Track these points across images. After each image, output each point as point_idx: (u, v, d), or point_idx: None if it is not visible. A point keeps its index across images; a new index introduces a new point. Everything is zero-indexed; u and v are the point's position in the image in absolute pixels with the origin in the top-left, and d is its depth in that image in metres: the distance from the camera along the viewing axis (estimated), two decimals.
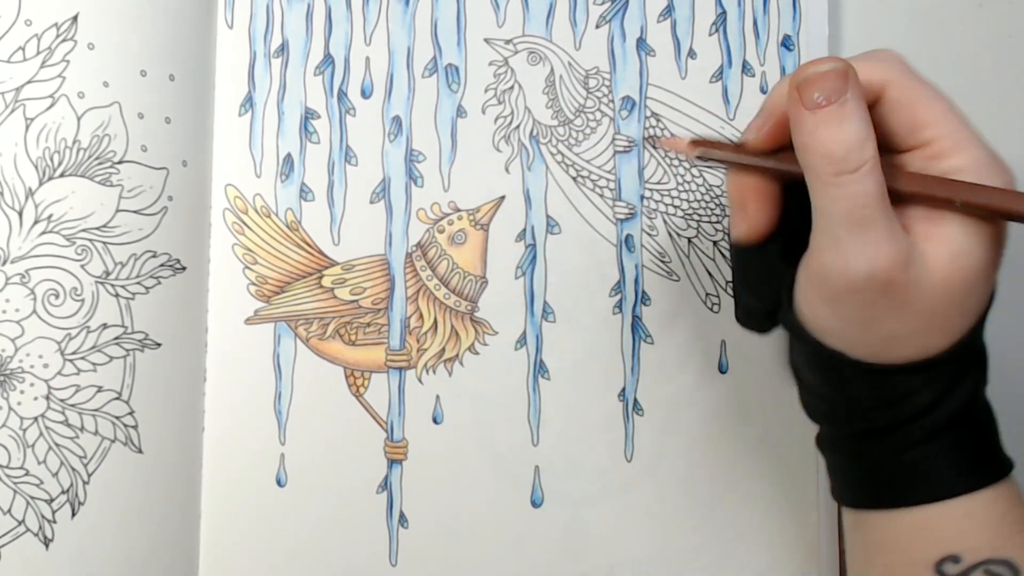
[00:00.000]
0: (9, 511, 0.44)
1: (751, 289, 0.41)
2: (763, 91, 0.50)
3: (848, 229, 0.35)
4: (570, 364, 0.49)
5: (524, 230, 0.49)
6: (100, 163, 0.46)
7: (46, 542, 0.45)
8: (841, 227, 0.35)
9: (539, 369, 0.49)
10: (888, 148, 0.37)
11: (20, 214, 0.45)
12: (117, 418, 0.45)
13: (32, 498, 0.44)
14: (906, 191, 0.36)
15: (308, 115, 0.49)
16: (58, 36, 0.45)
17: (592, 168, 0.49)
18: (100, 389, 0.45)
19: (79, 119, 0.45)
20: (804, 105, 0.36)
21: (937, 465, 0.37)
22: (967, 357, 0.38)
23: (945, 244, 0.36)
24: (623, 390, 0.49)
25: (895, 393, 0.37)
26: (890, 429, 0.38)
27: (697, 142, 0.39)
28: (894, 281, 0.35)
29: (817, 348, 0.38)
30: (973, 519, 0.37)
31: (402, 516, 0.48)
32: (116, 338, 0.46)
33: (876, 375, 0.37)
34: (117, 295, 0.46)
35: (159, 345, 0.46)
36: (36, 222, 0.45)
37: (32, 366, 0.45)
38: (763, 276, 0.40)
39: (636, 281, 0.49)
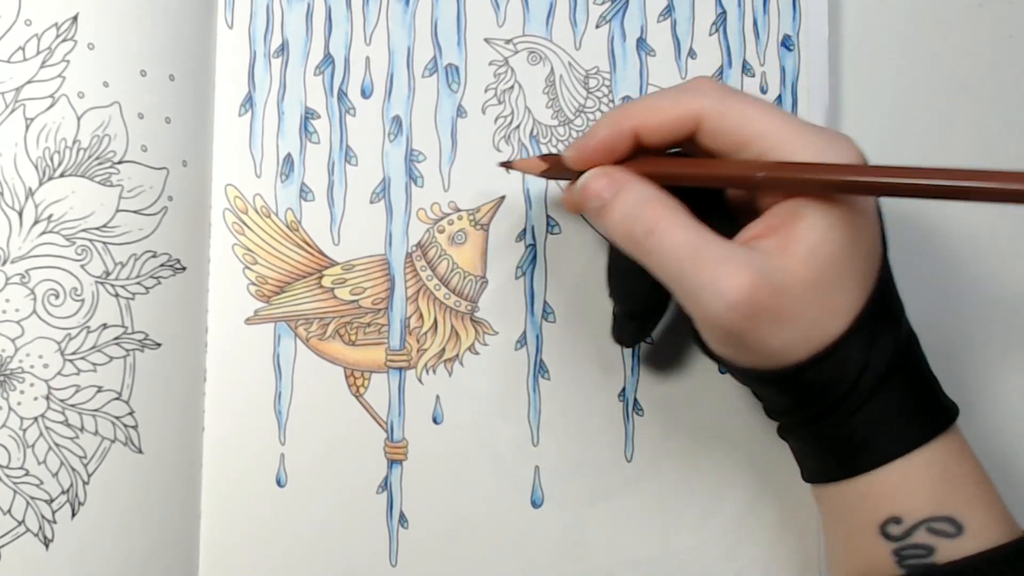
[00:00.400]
0: (9, 511, 0.44)
1: (618, 290, 0.44)
2: (763, 91, 0.50)
3: (685, 282, 0.38)
4: (570, 364, 0.49)
5: (524, 230, 0.49)
6: (100, 163, 0.46)
7: (46, 542, 0.45)
8: (679, 283, 0.38)
9: (539, 369, 0.49)
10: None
11: (20, 214, 0.45)
12: (117, 418, 0.45)
13: (32, 498, 0.44)
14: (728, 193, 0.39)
15: (308, 115, 0.49)
16: (58, 36, 0.45)
17: None
18: (100, 389, 0.45)
19: (79, 119, 0.45)
20: (591, 217, 0.40)
21: (871, 433, 0.39)
22: (877, 321, 0.39)
23: (799, 244, 0.37)
24: (623, 390, 0.49)
25: (815, 383, 0.39)
26: (826, 412, 0.39)
27: (545, 160, 0.44)
28: (757, 302, 0.37)
29: (732, 368, 0.41)
30: (912, 480, 0.39)
31: (402, 516, 0.48)
32: (116, 338, 0.46)
33: (790, 377, 0.39)
34: (117, 295, 0.46)
35: (159, 345, 0.46)
36: (36, 222, 0.45)
37: (32, 366, 0.45)
38: (626, 278, 0.43)
39: None
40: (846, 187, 0.37)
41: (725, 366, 0.42)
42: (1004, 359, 0.51)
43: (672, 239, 0.37)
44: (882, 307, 0.39)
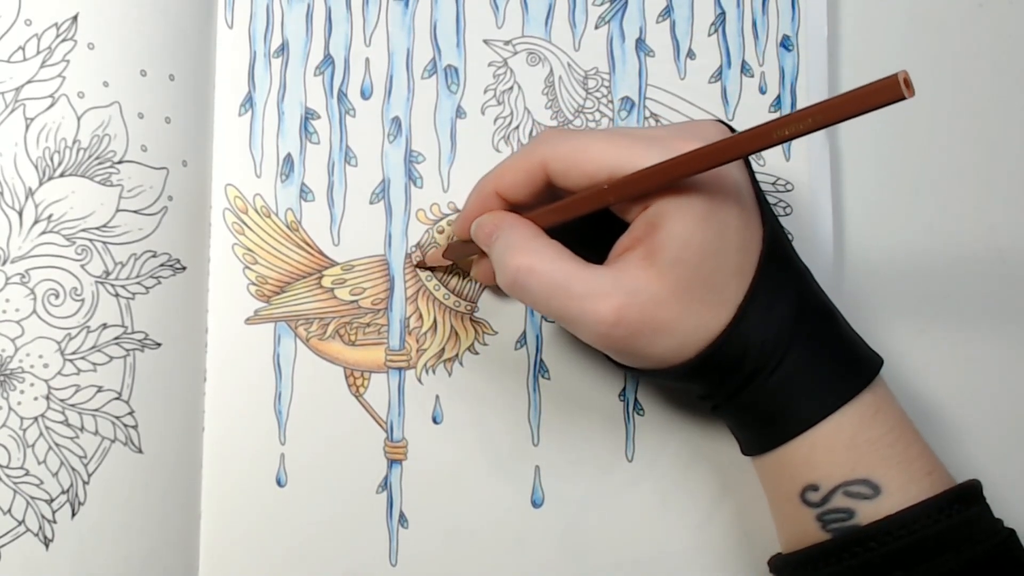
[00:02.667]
0: (9, 511, 0.44)
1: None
2: (762, 91, 0.50)
3: (561, 315, 0.40)
4: (570, 364, 0.49)
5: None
6: (100, 163, 0.46)
7: (46, 542, 0.44)
8: (557, 316, 0.40)
9: (539, 369, 0.49)
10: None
11: (20, 214, 0.45)
12: (117, 418, 0.45)
13: (32, 498, 0.44)
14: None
15: (308, 115, 0.49)
16: (58, 36, 0.45)
17: None
18: (100, 389, 0.45)
19: (79, 119, 0.45)
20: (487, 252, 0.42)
21: (790, 401, 0.40)
22: (766, 300, 0.40)
23: (661, 253, 0.39)
24: (623, 390, 0.49)
25: (716, 370, 0.40)
26: (740, 387, 0.41)
27: (445, 250, 0.47)
28: (629, 323, 0.38)
29: (640, 374, 0.44)
30: (823, 447, 0.40)
31: (402, 516, 0.48)
32: (116, 338, 0.46)
33: (688, 373, 0.40)
34: (117, 295, 0.46)
35: (159, 345, 0.46)
36: (36, 222, 0.45)
37: (32, 366, 0.45)
38: None
39: None
40: (673, 173, 0.38)
41: (626, 369, 0.44)
42: (933, 309, 0.51)
43: (540, 277, 0.39)
44: (770, 284, 0.40)
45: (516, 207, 0.43)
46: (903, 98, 0.31)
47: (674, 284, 0.38)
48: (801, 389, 0.40)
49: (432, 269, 0.48)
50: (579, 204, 0.40)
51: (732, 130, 0.41)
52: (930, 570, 0.38)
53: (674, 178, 0.38)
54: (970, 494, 0.40)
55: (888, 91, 0.31)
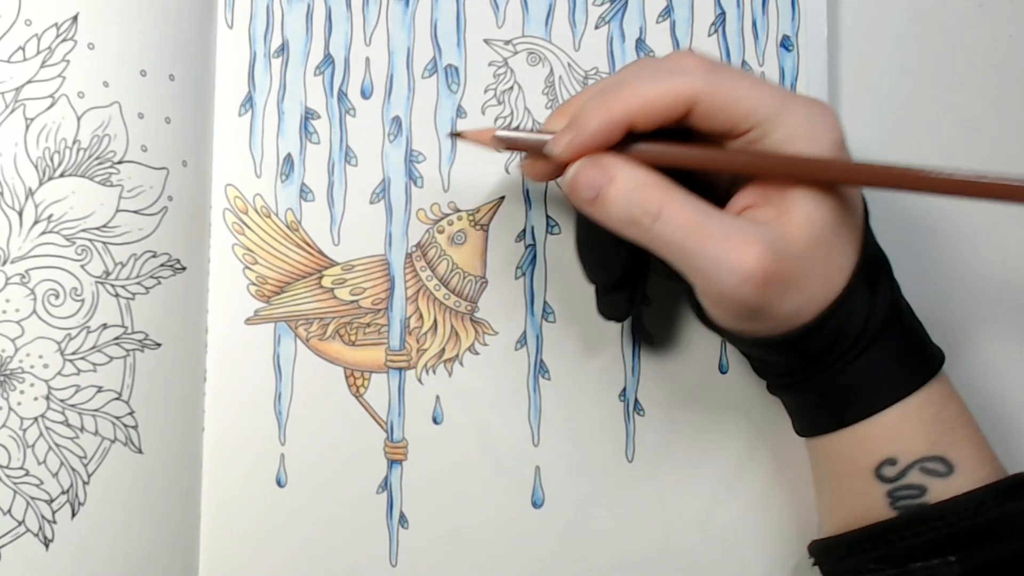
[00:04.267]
0: (9, 511, 0.44)
1: (595, 265, 0.44)
2: None
3: (694, 261, 0.38)
4: (570, 364, 0.49)
5: (524, 230, 0.49)
6: (100, 163, 0.46)
7: (46, 542, 0.44)
8: (689, 262, 0.38)
9: (539, 369, 0.49)
10: (720, 137, 0.40)
11: (20, 214, 0.45)
12: (117, 418, 0.45)
13: (32, 498, 0.44)
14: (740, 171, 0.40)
15: (308, 115, 0.49)
16: (58, 36, 0.45)
17: None
18: (100, 389, 0.45)
19: (79, 119, 0.45)
20: (582, 206, 0.40)
21: (871, 380, 0.40)
22: (872, 272, 0.40)
23: (795, 211, 0.38)
24: (624, 390, 0.49)
25: (823, 341, 0.40)
26: (824, 366, 0.40)
27: (502, 137, 0.42)
28: (768, 272, 0.37)
29: (741, 340, 0.42)
30: (906, 422, 0.40)
31: (402, 516, 0.48)
32: (116, 338, 0.46)
33: (799, 339, 0.39)
34: (117, 295, 0.46)
35: (159, 345, 0.46)
36: (36, 222, 0.45)
37: (32, 366, 0.45)
38: (600, 250, 0.43)
39: None
40: (832, 180, 0.39)
41: (728, 337, 0.43)
42: (986, 310, 0.51)
43: (677, 220, 0.38)
44: (873, 259, 0.41)
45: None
46: None
47: (807, 242, 0.38)
48: (893, 364, 0.40)
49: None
50: (712, 163, 0.39)
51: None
52: (992, 553, 0.39)
53: (843, 183, 0.39)
54: None
55: None
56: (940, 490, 0.40)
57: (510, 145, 0.42)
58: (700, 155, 0.40)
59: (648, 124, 0.39)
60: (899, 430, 0.40)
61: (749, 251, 0.37)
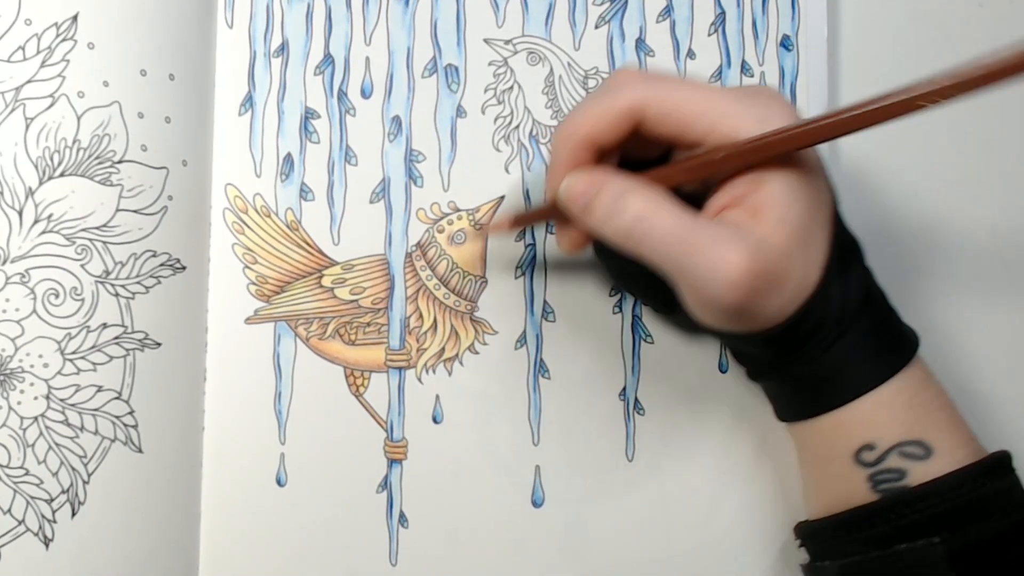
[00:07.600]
0: (9, 511, 0.44)
1: (639, 291, 0.47)
2: None
3: (681, 267, 0.39)
4: (570, 364, 0.49)
5: (524, 230, 0.49)
6: (100, 163, 0.46)
7: (46, 542, 0.44)
8: (675, 268, 0.39)
9: (539, 369, 0.49)
10: (684, 145, 0.41)
11: (20, 214, 0.45)
12: (117, 418, 0.45)
13: (32, 498, 0.44)
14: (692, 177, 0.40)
15: (308, 115, 0.49)
16: (58, 36, 0.45)
17: None
18: (100, 389, 0.45)
19: (79, 119, 0.45)
20: (577, 218, 0.41)
21: (845, 367, 0.41)
22: (844, 259, 0.41)
23: (769, 209, 0.39)
24: (624, 390, 0.49)
25: (802, 331, 0.40)
26: (802, 354, 0.41)
27: (517, 220, 0.46)
28: (755, 275, 0.38)
29: (722, 335, 0.43)
30: (882, 408, 0.41)
31: (402, 516, 0.48)
32: (116, 338, 0.46)
33: (782, 333, 0.40)
34: (117, 295, 0.46)
35: (159, 345, 0.46)
36: (36, 222, 0.45)
37: (32, 366, 0.45)
38: (640, 281, 0.44)
39: None
40: (794, 145, 0.38)
41: (711, 332, 0.43)
42: (962, 286, 0.51)
43: (661, 224, 0.38)
44: (844, 245, 0.41)
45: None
46: None
47: (784, 240, 0.38)
48: (867, 350, 0.41)
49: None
50: (685, 172, 0.40)
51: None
52: (976, 532, 0.39)
53: (793, 149, 0.38)
54: (1006, 463, 0.41)
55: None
56: (920, 473, 0.40)
57: (524, 220, 0.46)
58: (673, 168, 0.41)
59: (606, 139, 0.40)
60: (875, 416, 0.41)
61: (734, 257, 0.37)
